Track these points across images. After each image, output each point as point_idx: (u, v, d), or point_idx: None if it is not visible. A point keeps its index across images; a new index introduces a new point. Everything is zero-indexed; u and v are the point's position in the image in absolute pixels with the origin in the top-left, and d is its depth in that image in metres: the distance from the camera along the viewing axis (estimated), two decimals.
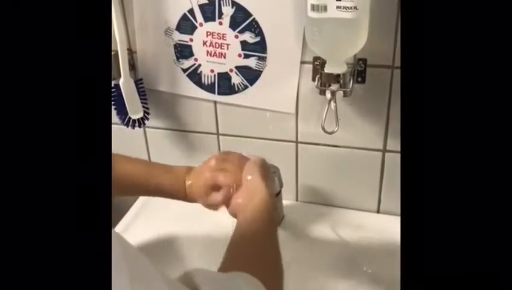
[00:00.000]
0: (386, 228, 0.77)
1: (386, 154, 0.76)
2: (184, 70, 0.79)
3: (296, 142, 0.79)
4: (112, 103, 0.79)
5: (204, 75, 0.78)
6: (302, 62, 0.72)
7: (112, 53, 0.76)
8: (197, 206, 0.85)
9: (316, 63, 0.71)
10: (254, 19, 0.70)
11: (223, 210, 0.65)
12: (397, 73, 0.68)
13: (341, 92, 0.67)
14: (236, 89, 0.77)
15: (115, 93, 0.78)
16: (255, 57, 0.73)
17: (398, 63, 0.68)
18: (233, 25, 0.72)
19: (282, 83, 0.74)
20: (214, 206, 0.65)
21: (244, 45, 0.73)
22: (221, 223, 0.80)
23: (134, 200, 0.90)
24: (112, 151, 0.48)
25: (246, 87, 0.76)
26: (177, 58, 0.78)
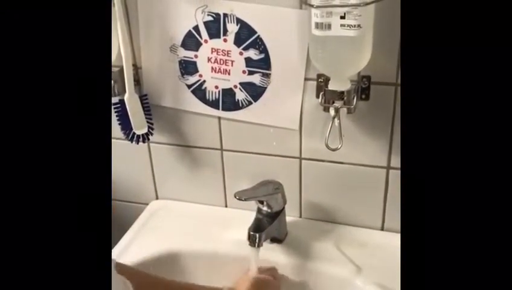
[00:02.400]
0: (390, 245, 0.77)
1: (390, 171, 0.75)
2: (189, 86, 0.79)
3: (300, 158, 0.79)
4: (117, 118, 0.79)
5: (209, 91, 0.78)
6: (306, 79, 0.72)
7: (117, 69, 0.77)
8: (201, 223, 0.85)
9: (320, 80, 0.71)
10: (258, 36, 0.71)
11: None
12: None
13: (345, 109, 0.67)
14: (241, 105, 0.77)
15: (119, 109, 0.78)
16: (259, 74, 0.74)
17: None
18: (238, 41, 0.72)
19: (286, 100, 0.74)
20: None
21: (249, 61, 0.73)
22: (224, 240, 0.80)
23: (137, 216, 0.89)
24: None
25: (250, 103, 0.77)
26: (182, 74, 0.78)
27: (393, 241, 0.77)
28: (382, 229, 0.81)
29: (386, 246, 0.77)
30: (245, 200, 0.71)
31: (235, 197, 0.71)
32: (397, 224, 0.79)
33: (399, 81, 0.68)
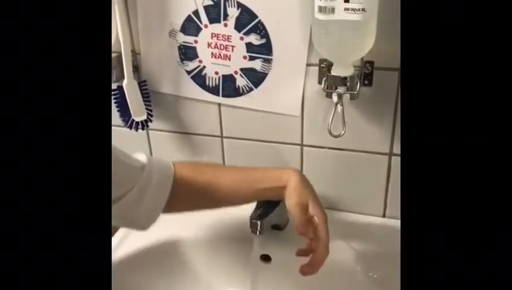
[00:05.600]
0: (392, 232, 0.76)
1: (393, 157, 0.75)
2: (188, 72, 0.78)
3: (301, 145, 0.79)
4: (115, 104, 0.78)
5: (209, 77, 0.77)
6: (308, 64, 0.71)
7: (116, 54, 0.76)
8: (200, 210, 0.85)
9: (322, 65, 0.70)
10: (260, 20, 0.70)
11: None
12: None
13: (348, 95, 0.66)
14: (241, 91, 0.76)
15: (118, 95, 0.77)
16: (260, 59, 0.73)
17: None
18: (239, 26, 0.71)
19: (288, 86, 0.73)
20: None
21: (250, 47, 0.72)
22: (225, 228, 0.80)
23: None
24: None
25: (250, 89, 0.76)
26: (182, 60, 0.77)
27: (394, 229, 0.77)
28: (384, 216, 0.81)
29: (388, 233, 0.77)
30: None
31: None
32: (399, 211, 0.79)
33: None
